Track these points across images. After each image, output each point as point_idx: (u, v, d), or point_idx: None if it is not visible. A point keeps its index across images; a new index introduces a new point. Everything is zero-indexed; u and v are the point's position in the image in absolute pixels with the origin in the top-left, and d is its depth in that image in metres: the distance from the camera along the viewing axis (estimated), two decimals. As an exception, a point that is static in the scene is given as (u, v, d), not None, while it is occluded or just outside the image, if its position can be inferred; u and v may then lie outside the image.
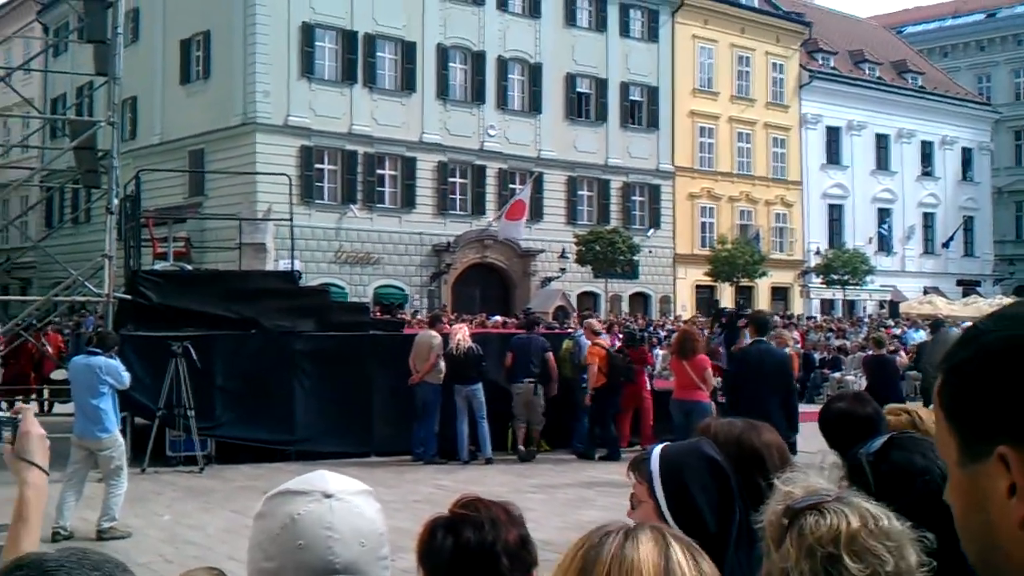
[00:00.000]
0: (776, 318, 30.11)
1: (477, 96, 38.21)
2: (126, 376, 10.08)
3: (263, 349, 13.89)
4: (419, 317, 23.96)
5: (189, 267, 17.79)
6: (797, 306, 45.48)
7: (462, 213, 37.61)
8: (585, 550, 1.46)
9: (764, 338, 10.99)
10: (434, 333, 14.32)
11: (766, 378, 10.03)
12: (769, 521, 1.76)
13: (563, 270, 38.60)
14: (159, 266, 16.64)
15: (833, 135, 49.80)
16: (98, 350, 10.01)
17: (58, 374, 16.42)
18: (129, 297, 13.99)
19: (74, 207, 37.62)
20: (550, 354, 14.47)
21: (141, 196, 17.91)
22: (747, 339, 13.34)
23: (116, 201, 14.22)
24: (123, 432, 12.59)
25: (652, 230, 42.29)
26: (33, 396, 17.51)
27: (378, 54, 35.96)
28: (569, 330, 17.42)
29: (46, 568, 1.30)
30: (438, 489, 12.02)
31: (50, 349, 18.95)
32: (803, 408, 15.86)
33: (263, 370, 13.74)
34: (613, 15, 41.88)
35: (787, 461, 2.83)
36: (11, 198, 38.49)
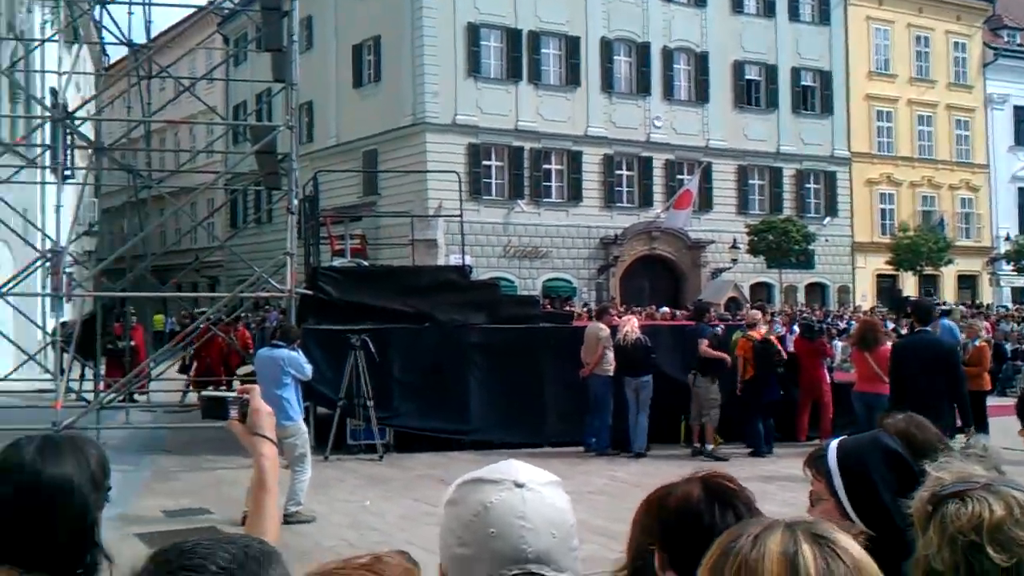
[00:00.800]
0: (961, 307, 28.62)
1: (642, 88, 37.90)
2: (308, 368, 10.47)
3: (437, 342, 14.15)
4: (586, 309, 23.92)
5: (365, 263, 18.28)
6: (986, 295, 43.14)
7: (629, 205, 37.38)
8: (723, 546, 1.41)
9: (928, 327, 10.42)
10: (602, 325, 14.24)
11: (930, 369, 9.47)
12: (915, 508, 1.72)
13: (734, 261, 37.85)
14: (337, 263, 17.16)
15: (1021, 115, 46.94)
16: (281, 343, 10.42)
17: (243, 369, 17.18)
18: (310, 292, 14.49)
19: (256, 208, 39.41)
20: (701, 341, 14.03)
21: (319, 196, 18.60)
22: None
23: (296, 201, 14.74)
24: (306, 421, 13.11)
25: (828, 218, 40.97)
26: (222, 387, 18.38)
27: (542, 50, 36.14)
28: (741, 321, 16.97)
29: (183, 550, 1.38)
30: (612, 481, 11.97)
31: (238, 343, 19.87)
32: (994, 401, 15.15)
33: (438, 362, 14.02)
34: (782, 0, 40.77)
35: (945, 446, 2.72)
36: (198, 201, 40.60)
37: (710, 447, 13.77)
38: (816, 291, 40.70)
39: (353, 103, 38.05)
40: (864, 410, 11.96)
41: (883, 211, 42.81)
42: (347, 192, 35.43)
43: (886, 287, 41.22)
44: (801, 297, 38.77)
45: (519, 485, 1.67)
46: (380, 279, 16.04)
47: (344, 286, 14.68)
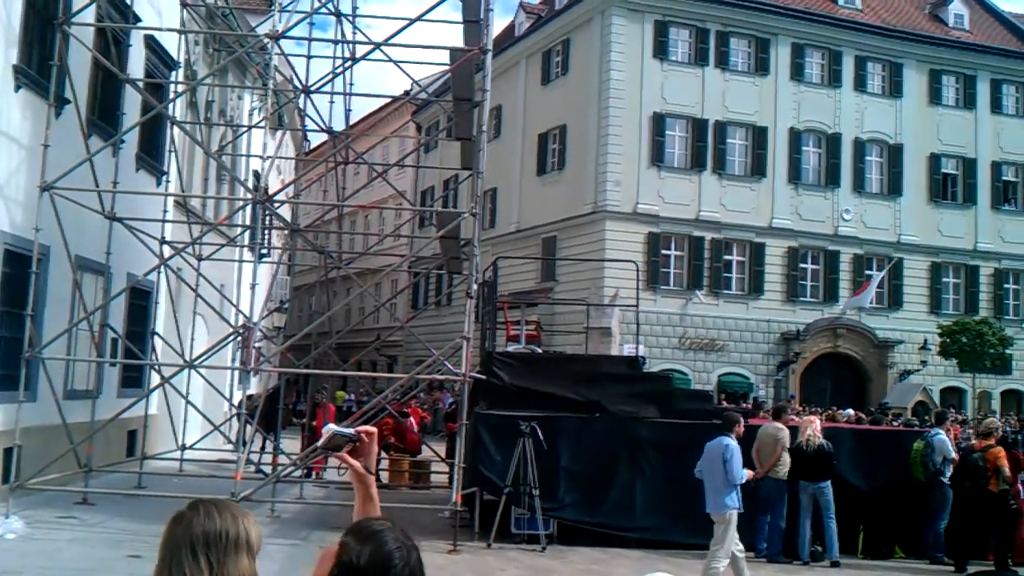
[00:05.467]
0: None
1: (831, 179, 37.04)
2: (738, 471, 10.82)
3: (606, 433, 13.97)
4: (764, 408, 23.19)
5: (539, 349, 18.35)
6: None
7: (813, 300, 36.30)
8: None
9: None
10: (780, 426, 13.76)
11: None
12: None
13: (924, 363, 36.08)
14: (512, 348, 17.30)
15: None
16: (726, 432, 11.07)
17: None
18: (483, 377, 14.63)
19: (438, 291, 40.41)
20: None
21: (497, 281, 18.88)
22: None
23: (475, 286, 14.98)
24: (471, 507, 13.13)
25: (1028, 321, 38.57)
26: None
27: (728, 140, 35.93)
28: (928, 428, 16.05)
29: (374, 529, 2.15)
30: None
31: (414, 422, 20.24)
32: None
33: (606, 454, 13.83)
34: (983, 91, 39.27)
35: None
36: (383, 282, 42.09)
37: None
38: (1012, 399, 38.15)
39: (535, 190, 38.77)
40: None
41: (1092, 315, 39.93)
42: (525, 278, 35.91)
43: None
44: (996, 405, 36.40)
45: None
46: (552, 366, 16.02)
47: (517, 371, 14.75)
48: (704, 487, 11.03)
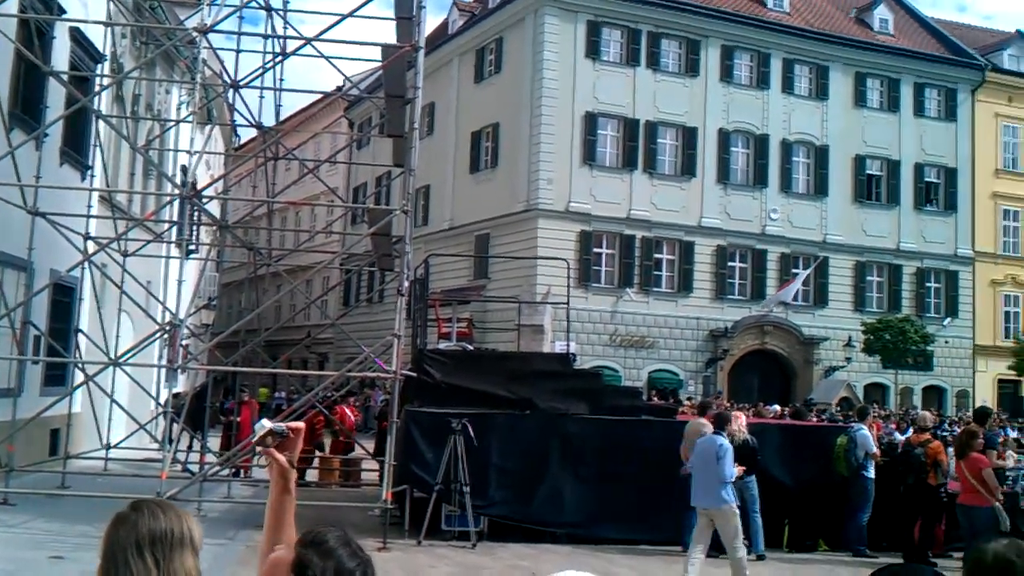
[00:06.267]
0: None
1: (759, 179, 37.66)
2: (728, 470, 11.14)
3: (537, 430, 14.05)
4: (689, 403, 23.51)
5: (471, 347, 18.38)
6: (1118, 407, 40.84)
7: (741, 298, 36.89)
8: None
9: None
10: (704, 421, 13.94)
11: None
12: None
13: (848, 359, 36.88)
14: (443, 345, 17.30)
15: None
16: (720, 431, 11.49)
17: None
18: (414, 374, 14.61)
19: (369, 288, 40.26)
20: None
21: (429, 278, 18.87)
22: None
23: (407, 283, 14.95)
24: (401, 504, 13.12)
25: (948, 319, 39.64)
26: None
27: (659, 140, 36.34)
28: (851, 424, 16.43)
29: (332, 544, 2.16)
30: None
31: (351, 418, 20.18)
32: None
33: (536, 451, 13.91)
34: (907, 95, 40.26)
35: None
36: (314, 279, 41.73)
37: None
38: (933, 395, 39.20)
39: (468, 188, 38.80)
40: (967, 523, 11.46)
41: (1007, 314, 41.18)
42: (457, 275, 35.93)
43: (1008, 393, 39.47)
44: (918, 400, 37.37)
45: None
46: (484, 363, 16.06)
47: (448, 369, 14.75)
48: (693, 482, 11.46)
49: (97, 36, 18.71)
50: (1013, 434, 22.96)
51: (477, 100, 38.64)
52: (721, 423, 11.72)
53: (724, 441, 11.36)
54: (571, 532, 13.56)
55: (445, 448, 12.97)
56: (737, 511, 11.22)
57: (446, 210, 39.98)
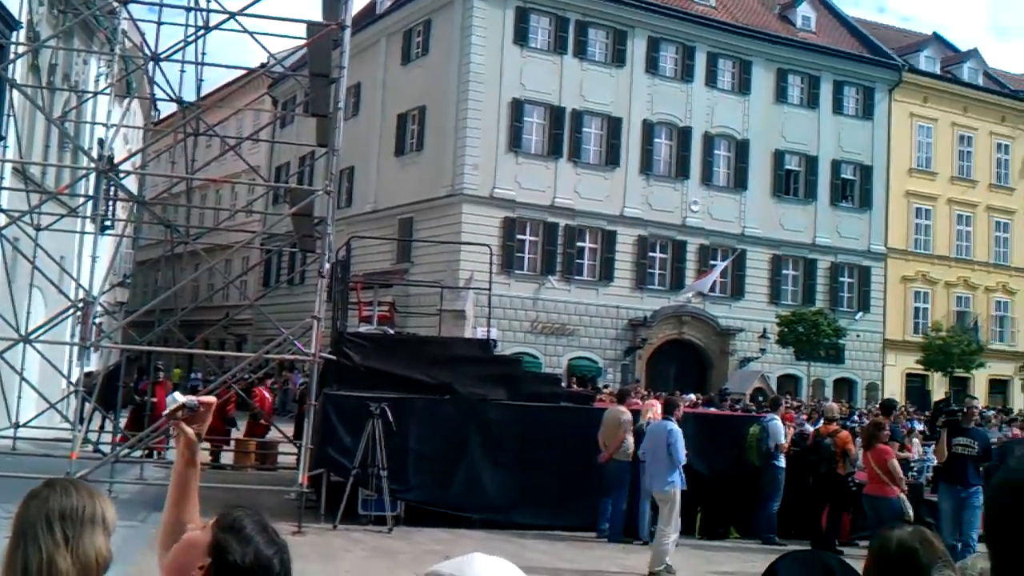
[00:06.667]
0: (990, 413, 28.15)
1: (681, 171, 38.13)
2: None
3: (456, 415, 14.08)
4: (608, 391, 23.75)
5: (392, 331, 18.30)
6: (1018, 400, 42.41)
7: (660, 288, 37.36)
8: None
9: None
10: (623, 409, 14.13)
11: None
12: None
13: (763, 351, 37.61)
14: (364, 329, 17.20)
15: (1063, 219, 46.58)
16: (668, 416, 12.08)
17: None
18: (333, 358, 14.50)
19: (290, 269, 39.79)
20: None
21: (351, 261, 18.71)
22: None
23: (328, 265, 14.80)
24: (318, 489, 13.04)
25: (860, 313, 40.70)
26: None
27: (584, 129, 36.54)
28: (764, 414, 16.76)
29: (249, 530, 2.06)
30: (623, 570, 11.78)
31: (268, 399, 19.95)
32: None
33: (455, 436, 13.94)
34: (826, 92, 41.09)
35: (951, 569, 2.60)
36: (233, 259, 41.07)
37: None
38: (844, 387, 40.25)
39: (393, 171, 38.57)
40: (872, 513, 11.80)
41: (917, 309, 42.46)
42: (380, 258, 35.72)
43: (915, 387, 40.70)
44: (829, 392, 38.33)
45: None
46: (404, 348, 16.01)
47: (368, 353, 14.68)
48: (647, 468, 11.83)
49: (12, 2, 18.12)
50: (919, 427, 23.66)
51: (404, 82, 38.39)
52: (670, 408, 12.11)
53: (673, 426, 11.79)
54: (488, 518, 13.61)
55: (363, 432, 12.92)
56: (678, 495, 11.62)
57: (370, 192, 39.69)
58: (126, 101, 23.85)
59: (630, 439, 13.64)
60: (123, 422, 18.50)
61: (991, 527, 1.30)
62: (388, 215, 37.91)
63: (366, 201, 39.65)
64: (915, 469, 17.91)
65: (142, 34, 21.32)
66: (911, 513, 11.91)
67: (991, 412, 27.63)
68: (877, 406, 23.83)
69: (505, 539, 12.75)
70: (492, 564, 1.71)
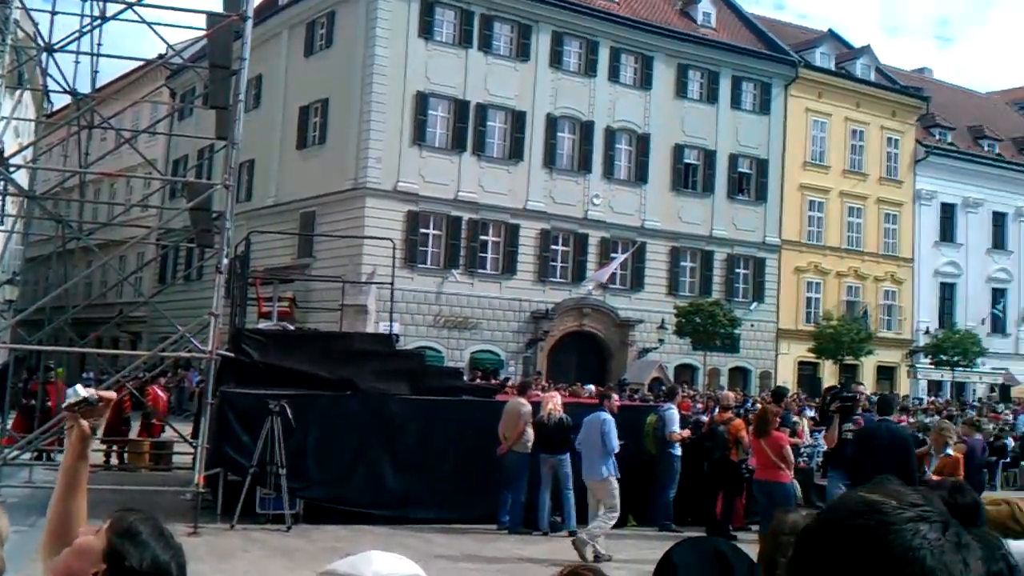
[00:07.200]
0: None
1: (583, 165, 38.54)
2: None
3: (358, 411, 14.07)
4: (511, 383, 24.00)
5: (291, 327, 18.18)
6: (903, 387, 44.05)
7: (562, 281, 37.74)
8: None
9: (890, 417, 11.58)
10: (523, 401, 14.30)
11: (885, 457, 9.97)
12: None
13: (661, 341, 38.29)
14: (263, 325, 17.06)
15: (948, 212, 48.51)
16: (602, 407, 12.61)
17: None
18: (232, 355, 14.37)
19: (187, 265, 39.07)
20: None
21: (250, 256, 18.53)
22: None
23: (226, 261, 14.65)
24: (215, 488, 12.93)
25: (755, 304, 41.71)
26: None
27: (488, 123, 36.66)
28: (661, 403, 17.18)
29: (144, 535, 2.07)
30: (521, 560, 11.97)
31: (163, 397, 19.60)
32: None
33: (355, 432, 13.92)
34: (725, 88, 41.90)
35: None
36: (128, 255, 40.09)
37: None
38: (739, 375, 41.25)
39: (295, 164, 38.15)
40: (764, 498, 12.19)
41: (809, 299, 43.67)
42: (281, 253, 35.25)
43: (807, 374, 41.95)
44: (725, 381, 39.24)
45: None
46: (305, 344, 15.96)
47: (268, 349, 14.60)
48: (582, 457, 12.24)
49: None
50: (810, 413, 24.38)
51: (307, 74, 37.99)
52: (601, 399, 12.46)
53: (607, 416, 12.25)
54: (390, 514, 13.62)
55: (262, 430, 12.85)
56: (615, 483, 12.11)
57: (271, 186, 39.21)
58: (17, 93, 23.12)
59: (530, 431, 13.81)
60: (11, 423, 18.00)
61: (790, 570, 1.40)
62: (289, 209, 37.50)
63: (267, 195, 39.15)
64: (805, 454, 18.48)
65: (35, 24, 20.72)
66: (800, 498, 12.38)
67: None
68: (769, 394, 24.52)
69: (407, 534, 12.82)
70: (389, 560, 1.73)
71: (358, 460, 13.89)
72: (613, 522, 12.16)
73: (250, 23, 14.66)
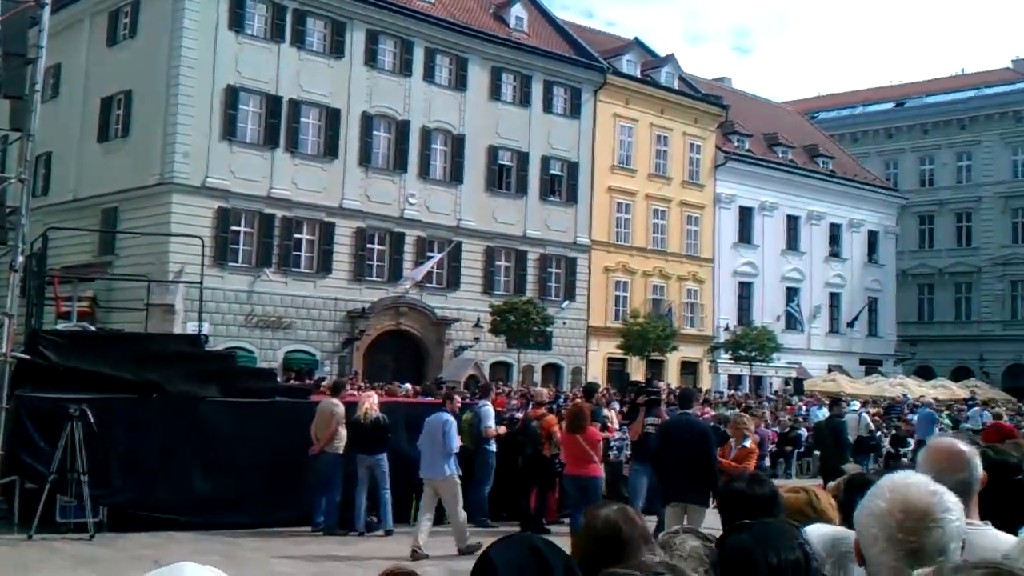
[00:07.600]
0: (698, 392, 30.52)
1: (399, 164, 38.56)
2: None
3: (164, 415, 13.65)
4: (325, 383, 23.80)
5: (93, 328, 17.47)
6: (705, 381, 46.20)
7: (378, 280, 37.65)
8: None
9: (690, 411, 12.07)
10: (336, 401, 14.26)
11: (687, 449, 10.50)
12: None
13: (477, 339, 38.77)
14: (61, 326, 16.36)
15: (745, 215, 51.18)
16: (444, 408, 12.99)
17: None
18: (27, 357, 13.70)
19: (-21, 262, 36.70)
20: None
21: (48, 254, 17.68)
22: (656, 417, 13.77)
23: (21, 259, 13.99)
24: (10, 497, 12.33)
25: (567, 302, 42.80)
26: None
27: (302, 119, 36.16)
28: (476, 400, 17.43)
29: None
30: (338, 561, 11.97)
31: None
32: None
33: (162, 436, 13.51)
34: (537, 91, 42.78)
35: (650, 543, 2.92)
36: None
37: None
38: (552, 371, 42.26)
39: (96, 158, 36.53)
40: (577, 492, 12.61)
41: (617, 298, 45.16)
42: (81, 251, 33.66)
43: (616, 370, 43.41)
44: (538, 377, 40.12)
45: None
46: (107, 345, 15.36)
47: (67, 351, 13.97)
48: (421, 456, 12.44)
49: None
50: (618, 407, 25.25)
51: (109, 64, 36.40)
52: (444, 399, 13.13)
53: (449, 417, 12.60)
54: (199, 519, 13.27)
55: (61, 436, 12.31)
56: (458, 481, 12.49)
57: (70, 180, 37.37)
58: None
59: (343, 431, 13.79)
60: None
61: None
62: (90, 204, 35.86)
63: (66, 189, 37.30)
64: (615, 448, 19.14)
65: None
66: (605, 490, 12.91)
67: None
68: (580, 390, 25.23)
69: (217, 540, 12.56)
70: (202, 573, 1.70)
71: (165, 465, 13.48)
72: (464, 515, 12.54)
73: (48, 9, 14.10)
